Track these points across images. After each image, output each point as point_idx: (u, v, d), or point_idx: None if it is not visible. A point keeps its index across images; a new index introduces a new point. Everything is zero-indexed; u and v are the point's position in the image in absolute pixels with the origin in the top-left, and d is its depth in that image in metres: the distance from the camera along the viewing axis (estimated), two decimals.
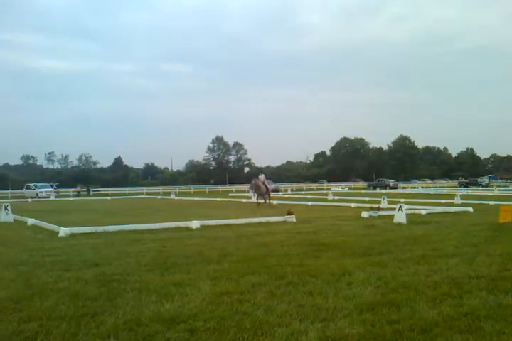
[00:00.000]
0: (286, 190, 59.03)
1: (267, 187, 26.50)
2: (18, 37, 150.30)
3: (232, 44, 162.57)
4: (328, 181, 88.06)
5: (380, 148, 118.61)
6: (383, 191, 49.36)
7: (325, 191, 50.15)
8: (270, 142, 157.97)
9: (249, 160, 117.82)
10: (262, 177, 26.96)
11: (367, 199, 28.10)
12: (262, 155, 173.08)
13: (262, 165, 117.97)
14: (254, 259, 7.93)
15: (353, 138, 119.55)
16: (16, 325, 4.47)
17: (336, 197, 33.00)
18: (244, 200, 32.58)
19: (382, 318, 4.60)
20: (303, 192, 49.78)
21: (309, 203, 26.29)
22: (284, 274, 6.62)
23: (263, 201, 26.27)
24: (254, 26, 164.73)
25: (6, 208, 17.04)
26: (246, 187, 66.78)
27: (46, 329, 4.34)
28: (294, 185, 73.51)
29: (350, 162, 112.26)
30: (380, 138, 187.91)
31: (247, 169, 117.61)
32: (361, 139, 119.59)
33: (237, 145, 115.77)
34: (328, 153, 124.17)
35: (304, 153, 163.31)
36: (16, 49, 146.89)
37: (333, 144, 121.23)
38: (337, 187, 71.56)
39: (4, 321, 4.58)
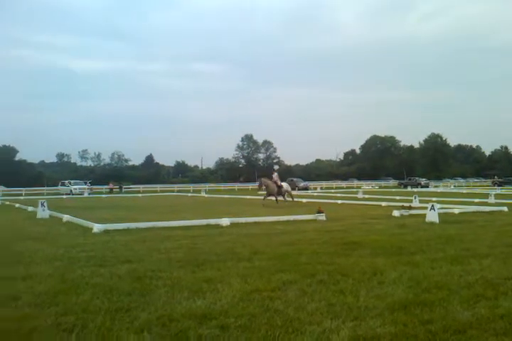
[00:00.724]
0: (315, 188, 58.80)
1: (279, 185, 25.78)
2: (54, 38, 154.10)
3: (259, 43, 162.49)
4: (358, 179, 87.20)
5: (411, 146, 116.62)
6: (414, 190, 48.61)
7: (355, 189, 49.74)
8: (299, 140, 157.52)
9: (278, 158, 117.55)
10: (275, 175, 26.36)
11: (398, 197, 27.76)
12: (291, 153, 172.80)
13: (291, 163, 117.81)
14: (285, 257, 7.94)
15: (383, 136, 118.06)
16: (53, 318, 4.60)
17: (366, 196, 32.69)
18: (273, 198, 32.53)
19: (414, 318, 4.55)
20: (332, 191, 49.48)
21: (339, 201, 26.12)
22: (315, 272, 6.61)
23: (273, 198, 25.59)
24: (281, 25, 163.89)
25: (42, 204, 17.50)
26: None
27: (82, 323, 4.45)
28: (324, 184, 73.11)
29: (380, 160, 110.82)
30: (411, 137, 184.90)
31: (276, 167, 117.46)
32: (392, 137, 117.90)
33: (267, 143, 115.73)
34: (358, 151, 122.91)
35: (333, 151, 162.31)
36: (51, 50, 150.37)
37: (363, 142, 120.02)
38: (367, 185, 70.79)
39: (43, 314, 4.71)
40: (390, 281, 6.07)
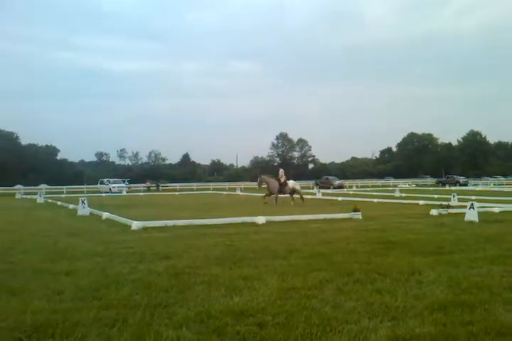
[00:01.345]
0: (350, 187, 58.30)
1: (281, 183, 24.19)
2: (92, 40, 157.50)
3: (296, 40, 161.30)
4: (395, 178, 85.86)
5: (449, 144, 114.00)
6: (453, 188, 47.56)
7: (391, 188, 49.01)
8: (335, 138, 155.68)
9: (313, 156, 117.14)
10: (280, 172, 25.02)
11: (436, 196, 27.21)
12: (326, 151, 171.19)
13: (326, 162, 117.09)
14: (321, 256, 7.92)
15: (420, 133, 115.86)
16: (95, 311, 4.73)
17: (403, 194, 32.16)
18: (309, 197, 32.46)
19: (454, 319, 4.48)
20: (368, 189, 48.87)
21: (375, 200, 25.79)
22: (352, 271, 6.58)
23: (272, 197, 24.16)
24: (315, 21, 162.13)
25: (82, 202, 17.97)
26: (311, 183, 66.56)
27: (123, 317, 4.56)
28: (359, 182, 72.33)
29: (417, 158, 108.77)
30: (449, 134, 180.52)
31: (311, 165, 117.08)
32: (429, 134, 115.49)
33: (301, 142, 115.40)
34: (394, 149, 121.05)
35: (369, 149, 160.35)
36: (90, 51, 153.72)
37: (399, 140, 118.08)
38: (404, 183, 69.62)
39: (85, 308, 4.86)
40: (429, 281, 5.98)
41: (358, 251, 8.37)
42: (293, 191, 24.87)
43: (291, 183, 24.91)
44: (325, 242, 9.64)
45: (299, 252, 8.31)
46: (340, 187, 58.77)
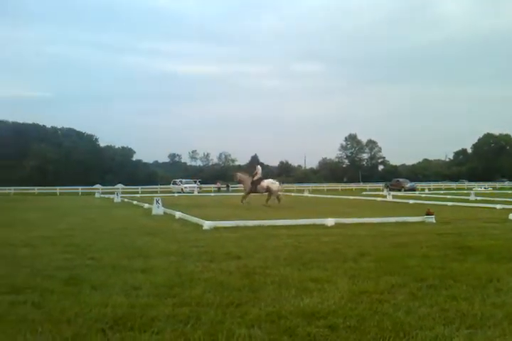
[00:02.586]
0: (422, 190, 56.44)
1: (253, 181, 22.80)
2: (161, 45, 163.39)
3: (361, 40, 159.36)
4: (469, 180, 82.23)
5: None
6: None
7: (466, 191, 46.96)
8: (405, 139, 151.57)
9: (383, 158, 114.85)
10: (256, 169, 23.57)
11: None
12: (397, 153, 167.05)
13: (397, 164, 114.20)
14: (392, 259, 7.76)
15: (497, 134, 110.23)
16: (170, 308, 4.90)
17: (479, 198, 30.72)
18: (379, 199, 31.82)
19: None
20: (441, 192, 47.11)
21: (449, 203, 24.80)
22: (425, 276, 6.39)
23: (246, 198, 23.22)
24: (382, 21, 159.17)
25: (157, 202, 18.61)
26: (380, 185, 65.10)
27: (196, 315, 4.68)
28: (432, 184, 69.93)
29: (494, 160, 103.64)
30: None
31: (381, 167, 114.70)
32: (507, 135, 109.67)
33: (371, 143, 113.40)
34: (469, 150, 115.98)
35: (442, 151, 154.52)
36: (159, 56, 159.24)
37: (474, 141, 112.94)
38: (479, 186, 66.52)
39: (161, 304, 5.05)
40: (509, 289, 5.70)
41: (431, 256, 8.11)
42: (268, 191, 23.28)
43: (265, 182, 23.31)
44: (396, 246, 9.43)
45: (370, 255, 8.18)
46: (412, 189, 57.12)
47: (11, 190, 57.55)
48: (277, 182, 24.11)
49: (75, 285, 5.94)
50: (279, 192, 23.75)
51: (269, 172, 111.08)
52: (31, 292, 5.60)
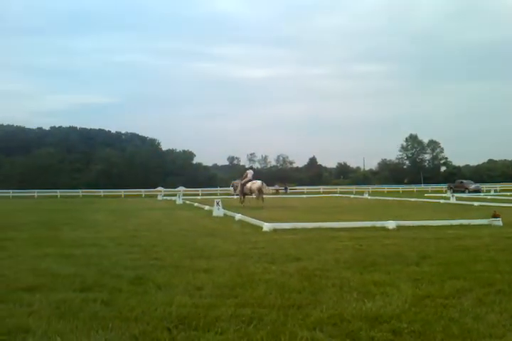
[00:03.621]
0: (488, 191, 54.06)
1: (242, 184, 24.77)
2: (224, 49, 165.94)
3: (423, 38, 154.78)
4: None
5: None
6: None
7: None
8: (469, 139, 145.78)
9: (445, 158, 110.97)
10: (250, 174, 25.36)
11: None
12: (460, 153, 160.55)
13: (460, 164, 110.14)
14: (457, 263, 7.51)
15: None
16: (233, 309, 4.97)
17: None
18: (442, 201, 30.82)
19: None
20: (508, 194, 44.97)
21: None
22: (493, 281, 6.15)
23: (243, 200, 25.42)
24: (445, 17, 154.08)
25: (217, 204, 18.93)
26: (444, 187, 62.97)
27: (258, 316, 4.72)
28: (498, 186, 66.87)
29: None
30: None
31: (443, 168, 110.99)
32: None
33: (433, 144, 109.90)
34: None
35: (508, 151, 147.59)
36: (224, 61, 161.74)
37: None
38: None
39: (223, 305, 5.14)
40: None
41: (499, 260, 7.78)
42: (253, 192, 25.50)
43: (249, 183, 25.57)
44: (460, 249, 9.11)
45: (433, 259, 7.95)
46: (477, 191, 54.93)
47: (80, 192, 60.49)
48: (259, 182, 26.10)
49: (141, 285, 6.15)
50: (263, 193, 26.16)
51: (328, 174, 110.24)
52: (100, 290, 5.86)
